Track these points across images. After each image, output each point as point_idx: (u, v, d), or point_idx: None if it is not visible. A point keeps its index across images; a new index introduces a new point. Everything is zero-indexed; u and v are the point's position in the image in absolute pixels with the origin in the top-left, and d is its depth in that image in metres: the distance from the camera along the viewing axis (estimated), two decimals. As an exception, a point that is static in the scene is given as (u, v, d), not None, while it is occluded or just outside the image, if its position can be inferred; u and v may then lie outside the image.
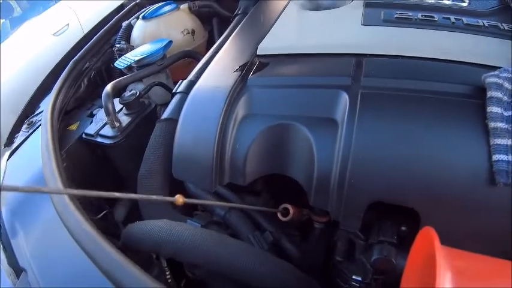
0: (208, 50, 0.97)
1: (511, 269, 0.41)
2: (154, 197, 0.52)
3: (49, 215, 0.64)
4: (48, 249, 0.65)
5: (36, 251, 0.64)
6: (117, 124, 0.83)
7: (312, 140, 0.59)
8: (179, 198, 0.49)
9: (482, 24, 0.77)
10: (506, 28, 0.76)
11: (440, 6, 0.87)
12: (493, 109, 0.54)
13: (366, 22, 0.81)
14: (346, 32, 0.79)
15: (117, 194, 0.46)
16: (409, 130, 0.57)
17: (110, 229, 0.75)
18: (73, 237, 0.55)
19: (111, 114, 0.83)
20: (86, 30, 1.49)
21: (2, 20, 2.70)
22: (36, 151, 0.75)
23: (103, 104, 0.84)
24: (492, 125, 0.53)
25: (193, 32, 1.21)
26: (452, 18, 0.79)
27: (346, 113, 0.58)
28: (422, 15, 0.80)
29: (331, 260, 0.67)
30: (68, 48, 1.33)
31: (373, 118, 0.58)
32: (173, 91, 0.82)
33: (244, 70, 0.72)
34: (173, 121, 0.72)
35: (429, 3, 0.88)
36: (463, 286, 0.38)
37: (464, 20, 0.79)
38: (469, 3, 0.87)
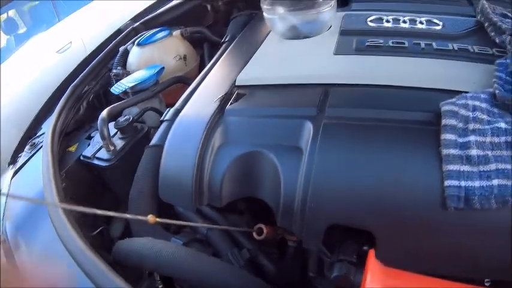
0: (200, 73, 1.02)
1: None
2: (127, 215, 0.60)
3: (49, 233, 0.70)
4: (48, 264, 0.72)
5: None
6: (111, 147, 0.89)
7: (279, 166, 0.64)
8: (151, 218, 0.55)
9: (452, 48, 0.78)
10: (476, 51, 0.77)
11: (413, 31, 0.87)
12: (447, 136, 0.57)
13: (338, 51, 0.83)
14: (318, 62, 0.83)
15: (98, 211, 0.52)
16: (365, 158, 0.60)
17: (106, 245, 0.81)
18: (69, 254, 0.61)
19: (106, 138, 0.89)
20: (88, 48, 1.57)
21: (7, 37, 2.79)
22: (38, 172, 0.81)
23: (99, 128, 0.90)
24: (445, 152, 0.56)
25: (185, 57, 1.29)
26: (423, 43, 0.81)
27: (309, 142, 0.63)
28: (392, 42, 0.82)
29: (306, 276, 0.72)
30: (71, 66, 1.42)
31: (332, 146, 0.62)
32: (161, 119, 0.89)
33: (223, 101, 0.77)
34: (160, 147, 0.78)
35: (403, 28, 0.89)
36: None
37: (435, 44, 0.80)
38: (443, 26, 0.87)
